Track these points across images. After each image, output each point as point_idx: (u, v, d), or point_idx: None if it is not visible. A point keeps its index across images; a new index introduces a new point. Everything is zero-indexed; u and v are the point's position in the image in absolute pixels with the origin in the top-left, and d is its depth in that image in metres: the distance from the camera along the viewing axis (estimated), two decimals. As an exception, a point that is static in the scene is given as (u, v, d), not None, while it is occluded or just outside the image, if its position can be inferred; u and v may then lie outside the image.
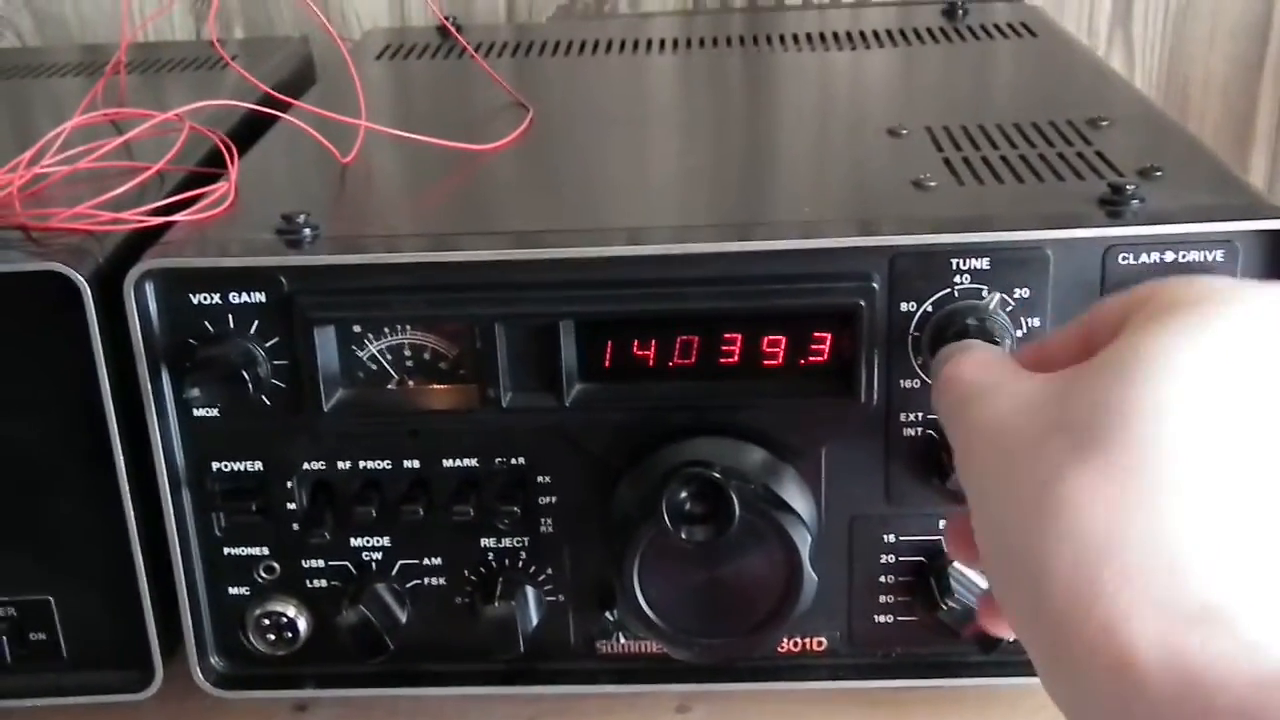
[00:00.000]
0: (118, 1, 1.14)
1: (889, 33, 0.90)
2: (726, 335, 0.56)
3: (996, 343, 0.53)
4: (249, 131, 0.71)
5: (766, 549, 0.54)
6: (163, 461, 0.58)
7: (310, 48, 1.01)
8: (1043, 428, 0.38)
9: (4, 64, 0.97)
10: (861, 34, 0.90)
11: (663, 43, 0.92)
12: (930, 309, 0.55)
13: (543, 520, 0.60)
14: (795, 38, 0.90)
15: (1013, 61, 0.85)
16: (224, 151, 0.64)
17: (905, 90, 0.82)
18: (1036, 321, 0.54)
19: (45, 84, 0.91)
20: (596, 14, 1.15)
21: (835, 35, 0.90)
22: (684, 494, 0.54)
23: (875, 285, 0.54)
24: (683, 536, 0.54)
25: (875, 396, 0.56)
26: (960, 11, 0.92)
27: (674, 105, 0.82)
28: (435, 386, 0.58)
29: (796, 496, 0.56)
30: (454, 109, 0.82)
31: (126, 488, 0.58)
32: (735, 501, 0.53)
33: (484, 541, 0.60)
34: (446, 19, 0.95)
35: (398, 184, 0.67)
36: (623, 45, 0.92)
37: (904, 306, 0.55)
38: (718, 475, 0.53)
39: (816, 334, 0.56)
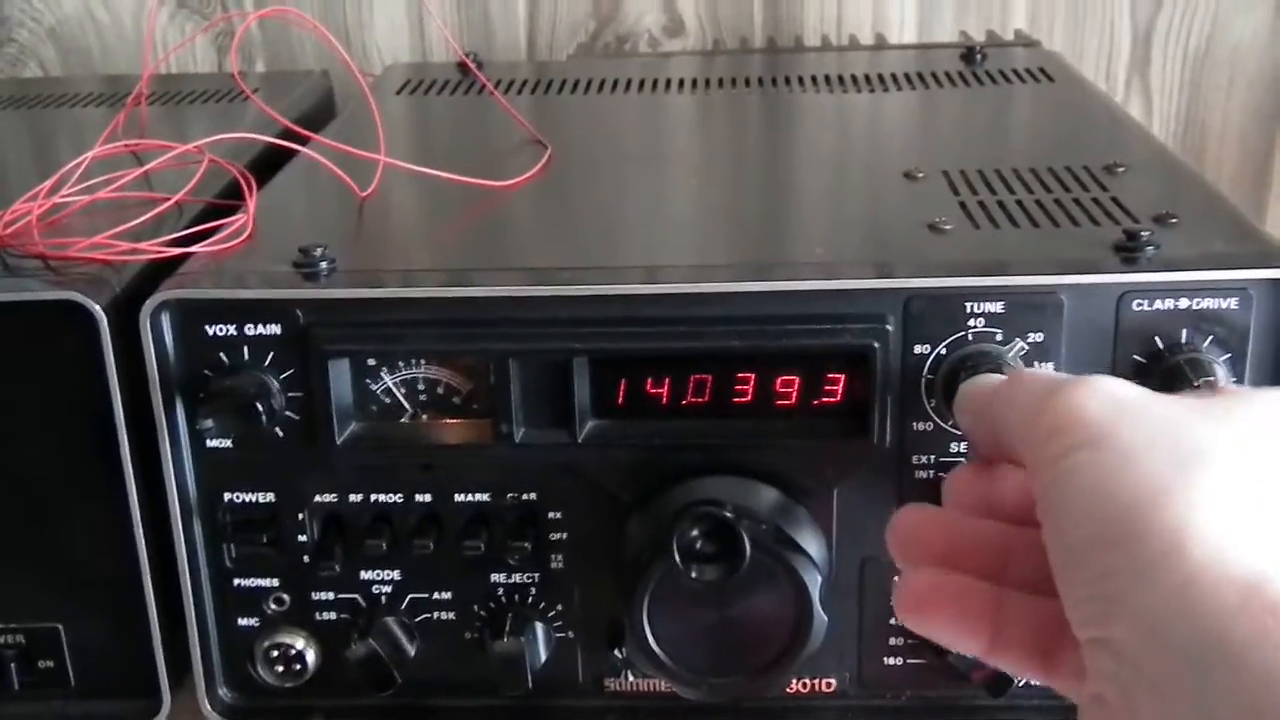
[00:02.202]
0: (140, 32, 1.15)
1: (906, 76, 0.90)
2: (740, 374, 0.56)
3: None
4: (268, 164, 0.72)
5: (777, 589, 0.54)
6: (175, 491, 0.58)
7: (331, 81, 1.02)
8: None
9: (27, 93, 0.97)
10: (880, 77, 0.90)
11: (681, 82, 0.92)
12: (944, 352, 0.55)
13: (553, 556, 0.59)
14: (814, 79, 0.91)
15: (1030, 106, 0.85)
16: (243, 184, 0.64)
17: (922, 133, 0.82)
18: (1050, 366, 0.54)
19: (67, 114, 0.92)
20: (616, 53, 1.16)
21: (853, 78, 0.90)
22: (695, 533, 0.54)
23: (889, 327, 0.54)
24: (693, 575, 0.54)
25: (888, 439, 0.56)
26: (978, 56, 0.92)
27: (692, 144, 0.83)
28: (448, 421, 0.58)
29: (808, 537, 0.56)
30: (473, 145, 0.82)
31: (138, 517, 0.58)
32: (746, 541, 0.53)
33: (494, 577, 0.60)
34: (467, 55, 0.96)
35: (415, 219, 0.67)
36: (642, 84, 0.92)
37: (918, 349, 0.55)
38: (729, 515, 0.53)
39: (830, 375, 0.56)
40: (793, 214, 0.67)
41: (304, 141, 0.71)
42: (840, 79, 0.90)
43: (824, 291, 0.55)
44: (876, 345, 0.54)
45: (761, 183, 0.71)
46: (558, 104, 0.89)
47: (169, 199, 0.62)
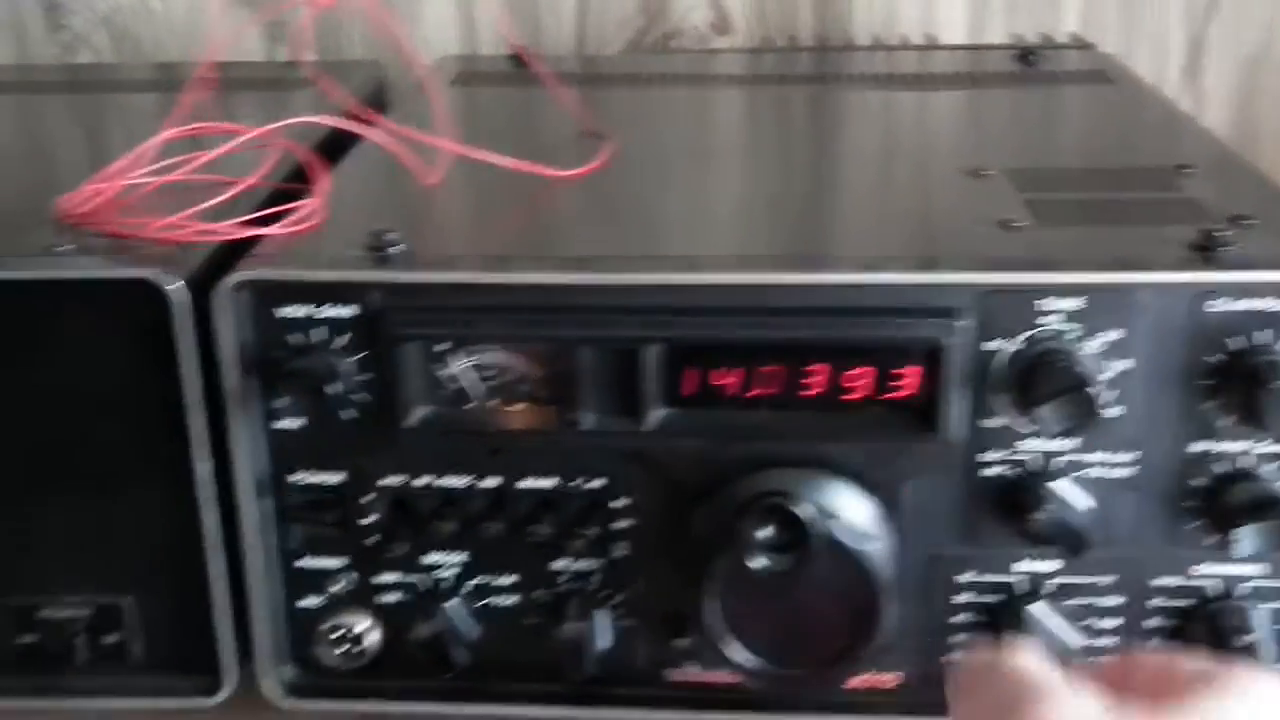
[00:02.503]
0: (192, 21, 1.16)
1: (959, 76, 0.90)
2: (810, 367, 0.56)
3: (1086, 386, 0.53)
4: (327, 152, 0.72)
5: (844, 583, 0.54)
6: (243, 471, 0.58)
7: (384, 72, 1.02)
8: None
9: (83, 78, 0.98)
10: (935, 76, 0.90)
11: (732, 78, 0.92)
12: (1018, 347, 0.55)
13: (617, 544, 0.60)
14: (869, 77, 0.91)
15: (1090, 107, 0.85)
16: (312, 169, 0.64)
17: (984, 132, 0.82)
18: (1125, 364, 0.54)
19: (122, 100, 0.93)
20: (664, 49, 1.16)
21: (910, 77, 0.91)
22: (763, 524, 0.54)
23: (963, 322, 0.54)
24: (760, 567, 0.54)
25: (958, 434, 0.56)
26: (1035, 57, 0.92)
27: (752, 139, 0.83)
28: (516, 407, 0.58)
29: (875, 532, 0.56)
30: (527, 136, 0.82)
31: (206, 495, 0.59)
32: (814, 534, 0.53)
33: (558, 563, 0.60)
34: (512, 52, 0.96)
35: (481, 206, 0.68)
36: (692, 80, 0.92)
37: (990, 344, 0.55)
38: (797, 507, 0.54)
39: (901, 369, 0.56)
40: (861, 208, 0.67)
41: (370, 127, 0.71)
42: (897, 78, 0.90)
43: (898, 285, 0.55)
44: (949, 340, 0.54)
45: (825, 177, 0.71)
46: (608, 98, 0.89)
47: (239, 182, 0.62)
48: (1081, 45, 1.00)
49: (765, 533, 0.54)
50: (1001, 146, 0.75)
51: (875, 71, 0.92)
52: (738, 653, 0.56)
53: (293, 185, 0.66)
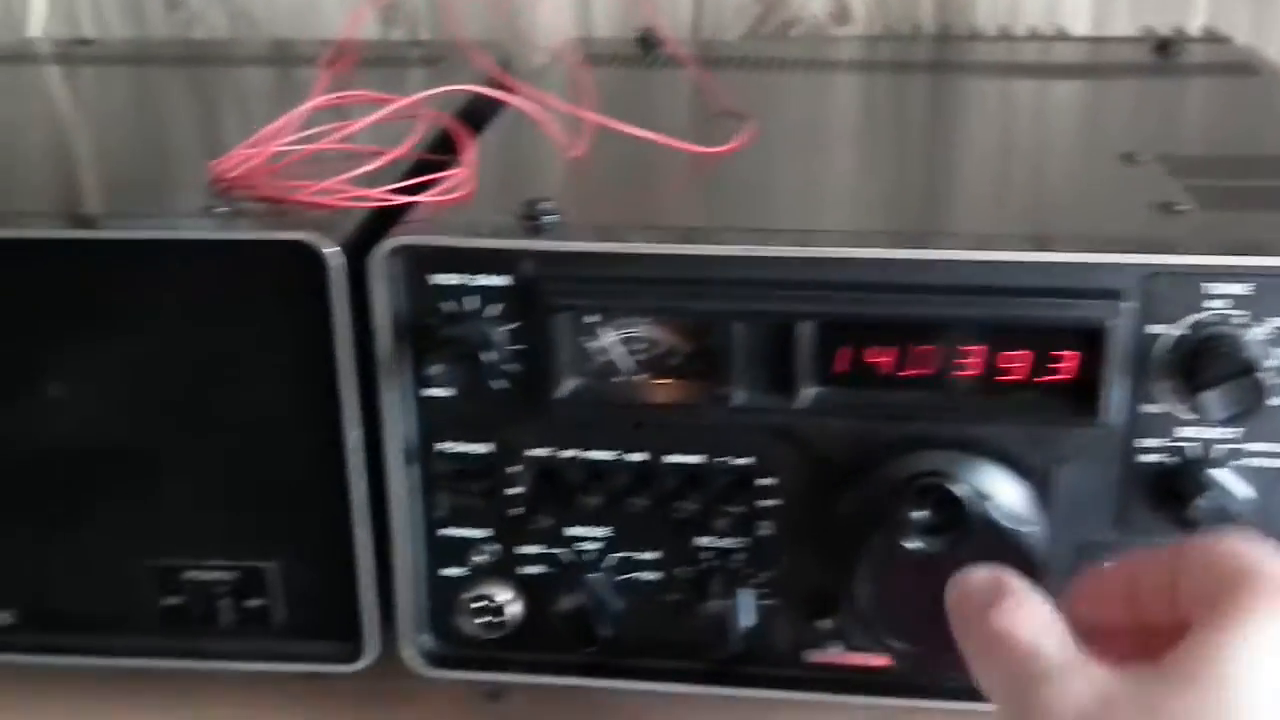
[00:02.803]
0: (308, 2, 1.17)
1: (1096, 66, 0.89)
2: (966, 347, 0.56)
3: (1254, 371, 0.52)
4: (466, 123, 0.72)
5: (1000, 566, 0.53)
6: (393, 438, 0.59)
7: (507, 53, 1.02)
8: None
9: (201, 53, 0.99)
10: (1069, 66, 0.89)
11: (861, 64, 0.92)
12: (1182, 332, 0.54)
13: (763, 522, 0.59)
14: (1001, 65, 0.90)
15: (1236, 98, 0.83)
16: (460, 139, 0.65)
17: (1130, 121, 0.81)
18: (1299, 351, 0.53)
19: (241, 73, 0.94)
20: (783, 35, 1.15)
21: (1045, 66, 0.89)
22: (919, 504, 0.53)
23: (1126, 304, 0.53)
24: (916, 548, 0.53)
25: (1117, 419, 0.55)
26: (1173, 49, 0.91)
27: (887, 122, 0.82)
28: (665, 381, 0.58)
29: (1030, 516, 0.56)
30: (660, 115, 0.82)
31: (355, 462, 0.59)
32: (973, 515, 0.52)
33: (701, 540, 0.60)
34: (640, 33, 0.96)
35: (627, 179, 0.67)
36: (812, 65, 0.92)
37: (1153, 328, 0.54)
38: (955, 487, 0.53)
39: (1059, 351, 0.55)
40: (1015, 190, 0.66)
41: (517, 97, 0.71)
42: (1034, 66, 0.90)
43: (1061, 264, 0.54)
44: (1111, 322, 0.53)
45: (975, 160, 0.70)
46: (731, 81, 0.89)
47: (393, 150, 0.62)
48: (1217, 38, 0.98)
49: (921, 513, 0.53)
50: (1151, 134, 0.73)
51: (1008, 60, 0.91)
52: (887, 634, 0.56)
53: (437, 156, 0.66)
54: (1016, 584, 0.45)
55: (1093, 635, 0.45)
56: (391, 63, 0.92)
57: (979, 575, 0.46)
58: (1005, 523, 0.53)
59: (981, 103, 0.84)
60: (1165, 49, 0.90)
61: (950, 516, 0.53)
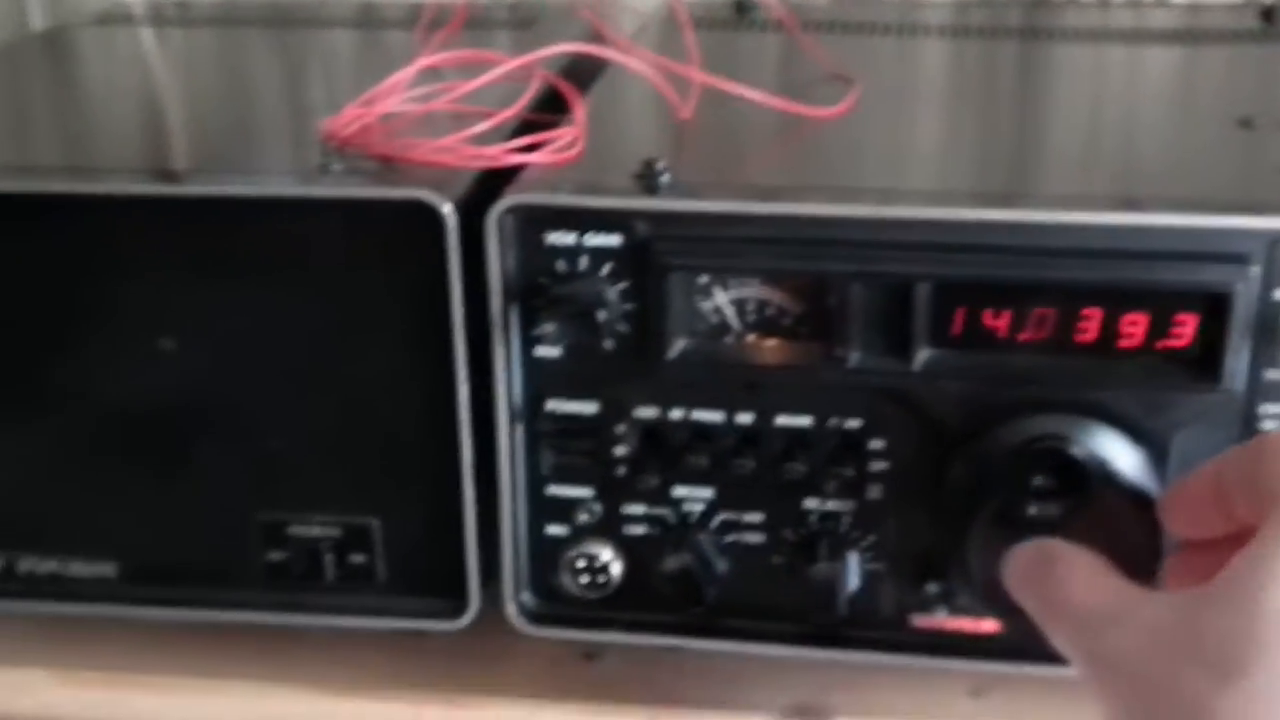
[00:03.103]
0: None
1: (1196, 32, 0.88)
2: (1084, 310, 0.55)
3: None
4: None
5: (1118, 534, 0.53)
6: (502, 396, 0.59)
7: (599, 19, 1.02)
8: (1180, 660, 0.38)
9: (290, 16, 1.00)
10: (1169, 32, 0.88)
11: (957, 29, 0.91)
12: (1309, 299, 0.53)
13: (871, 485, 0.59)
14: (1106, 31, 0.89)
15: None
16: (570, 99, 0.64)
17: (1241, 86, 0.79)
18: None
19: (327, 35, 0.94)
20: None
21: (1149, 31, 0.89)
22: (1038, 469, 0.53)
23: (1253, 268, 0.53)
24: (1033, 512, 0.52)
25: (1238, 385, 0.54)
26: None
27: (991, 85, 0.81)
28: (777, 341, 0.57)
29: (1146, 483, 0.55)
30: (764, 78, 0.81)
31: (465, 420, 0.59)
32: (1093, 479, 0.52)
33: (808, 502, 0.60)
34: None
35: (737, 140, 0.67)
36: (903, 30, 0.91)
37: (1279, 293, 0.53)
38: (1076, 451, 0.52)
39: (1180, 315, 0.54)
40: (1138, 155, 0.65)
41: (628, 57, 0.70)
42: (1138, 32, 0.89)
43: (1184, 228, 0.53)
44: (1238, 286, 0.53)
45: (1091, 124, 0.69)
46: (825, 45, 0.88)
47: (505, 110, 0.62)
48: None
49: (1041, 479, 0.53)
50: (1267, 100, 0.72)
51: (1113, 26, 0.90)
52: (996, 600, 0.55)
53: (542, 116, 0.66)
54: (1059, 549, 0.47)
55: (1195, 550, 0.46)
56: (483, 25, 0.92)
57: (1025, 552, 0.47)
58: (1127, 490, 0.53)
59: (1087, 70, 0.83)
60: (1270, 16, 0.89)
61: (1068, 482, 0.53)
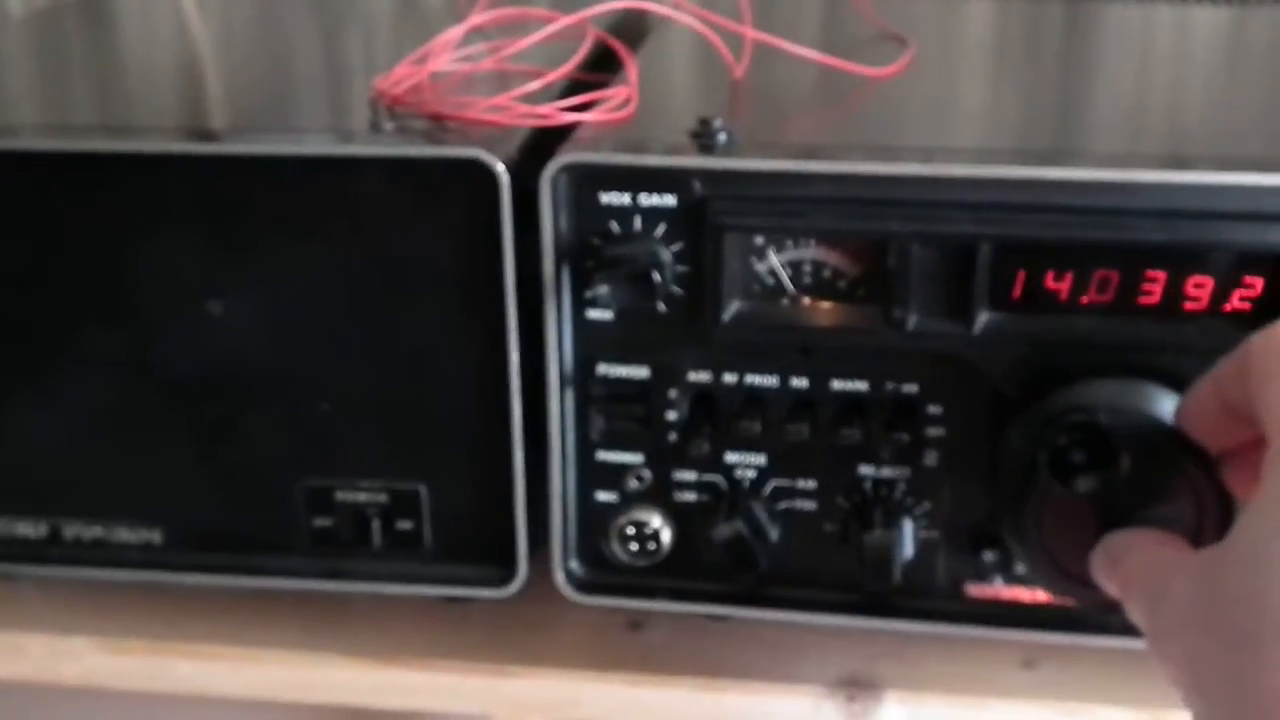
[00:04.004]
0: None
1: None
2: (1149, 273, 0.54)
3: None
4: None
5: (1177, 501, 0.51)
6: (554, 360, 0.58)
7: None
8: (1206, 636, 0.37)
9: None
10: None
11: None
12: (1376, 260, 0.52)
13: (927, 452, 0.58)
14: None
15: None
16: (623, 56, 0.63)
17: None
18: None
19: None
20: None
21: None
22: (1068, 442, 0.51)
23: (1321, 229, 0.52)
24: (1067, 488, 0.51)
25: (1307, 348, 0.53)
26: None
27: (1044, 47, 0.80)
28: (832, 304, 0.57)
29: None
30: (807, 38, 0.80)
31: (516, 383, 0.58)
32: (1121, 450, 0.50)
33: (862, 469, 0.59)
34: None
35: (792, 99, 0.66)
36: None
37: (1347, 255, 0.52)
38: (1102, 420, 0.50)
39: (1247, 277, 0.53)
40: (1198, 115, 0.65)
41: (650, 27, 0.70)
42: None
43: (1252, 187, 0.52)
44: (1308, 247, 0.52)
45: (1149, 85, 0.68)
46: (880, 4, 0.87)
47: (558, 68, 0.61)
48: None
49: (1076, 451, 0.51)
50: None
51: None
52: (1057, 566, 0.54)
53: (592, 75, 0.65)
54: (1118, 544, 0.47)
55: (1230, 461, 0.46)
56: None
57: (1096, 556, 0.48)
58: (1186, 462, 0.51)
59: (1142, 31, 0.82)
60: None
61: (1101, 452, 0.51)
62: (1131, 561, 0.45)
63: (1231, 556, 0.38)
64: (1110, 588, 0.47)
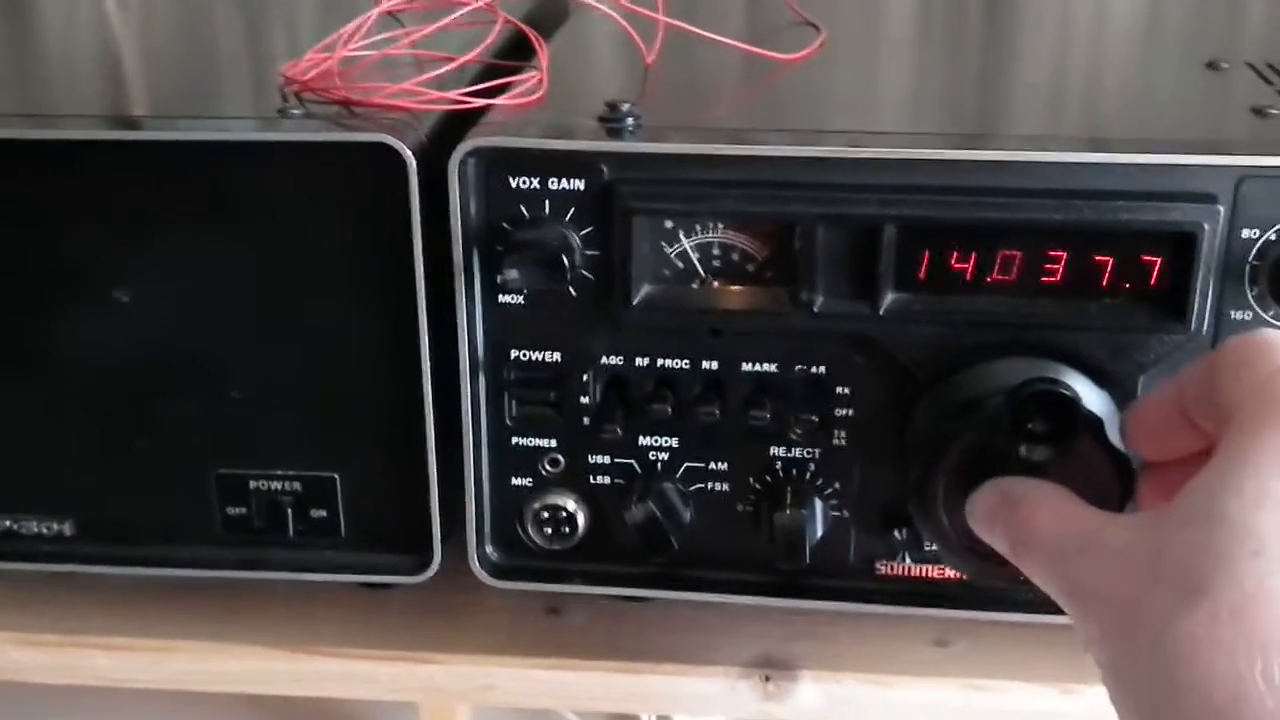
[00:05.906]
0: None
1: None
2: (1051, 252, 0.55)
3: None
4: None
5: (1089, 479, 0.52)
6: (466, 345, 0.58)
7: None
8: (1145, 582, 0.38)
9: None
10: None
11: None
12: (1275, 237, 0.53)
13: (836, 432, 0.58)
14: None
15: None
16: (533, 42, 0.63)
17: (1207, 28, 0.79)
18: (1399, 258, 0.52)
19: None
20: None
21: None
22: (1029, 412, 0.51)
23: (1219, 208, 0.52)
24: (1023, 454, 0.51)
25: (1205, 327, 0.54)
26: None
27: (954, 29, 0.81)
28: (742, 287, 0.57)
29: (1112, 426, 0.54)
30: (729, 24, 0.81)
31: (428, 369, 0.58)
32: (1084, 422, 0.50)
33: (773, 450, 0.59)
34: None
35: (702, 84, 0.66)
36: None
37: (1245, 233, 0.53)
38: (1068, 393, 0.51)
39: (1146, 256, 0.54)
40: (1106, 95, 0.65)
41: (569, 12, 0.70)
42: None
43: (1151, 166, 0.53)
44: (1204, 226, 0.52)
45: (1050, 64, 0.69)
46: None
47: (467, 54, 0.61)
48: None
49: (1024, 420, 0.51)
50: (1230, 41, 0.72)
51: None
52: (963, 542, 0.55)
53: (505, 61, 0.65)
54: (1021, 485, 0.47)
55: (1167, 470, 0.46)
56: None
57: (987, 493, 0.48)
58: (1106, 436, 0.51)
59: (1053, 9, 0.83)
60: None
61: (1055, 424, 0.51)
62: (1035, 509, 0.45)
63: (1185, 513, 0.38)
64: (993, 530, 0.47)
